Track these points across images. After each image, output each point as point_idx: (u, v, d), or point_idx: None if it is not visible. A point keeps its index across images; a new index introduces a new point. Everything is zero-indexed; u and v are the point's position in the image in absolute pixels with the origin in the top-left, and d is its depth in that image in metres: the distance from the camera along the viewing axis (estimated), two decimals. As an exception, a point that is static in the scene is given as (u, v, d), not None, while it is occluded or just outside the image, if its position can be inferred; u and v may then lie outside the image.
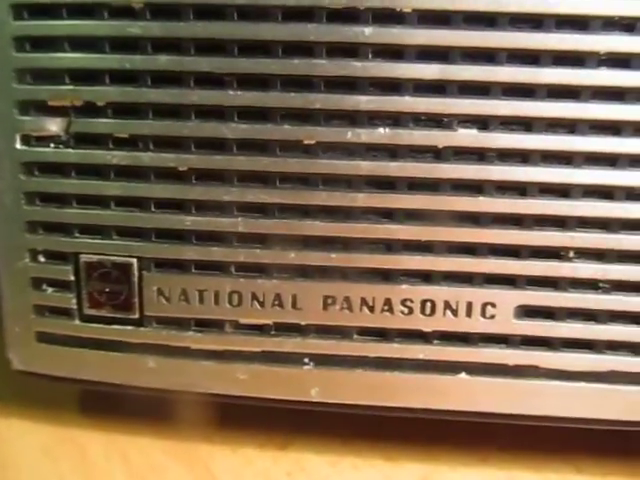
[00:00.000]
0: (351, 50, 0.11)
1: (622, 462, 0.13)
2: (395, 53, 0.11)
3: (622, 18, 0.10)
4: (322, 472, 0.13)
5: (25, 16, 0.11)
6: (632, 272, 0.11)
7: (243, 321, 0.12)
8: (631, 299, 0.11)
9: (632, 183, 0.11)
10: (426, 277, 0.11)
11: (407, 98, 0.11)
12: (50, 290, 0.12)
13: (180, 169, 0.11)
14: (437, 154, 0.11)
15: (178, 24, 0.11)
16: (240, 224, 0.11)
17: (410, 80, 0.11)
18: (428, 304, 0.12)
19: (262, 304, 0.12)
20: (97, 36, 0.11)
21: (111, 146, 0.11)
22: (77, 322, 0.12)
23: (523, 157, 0.11)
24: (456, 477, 0.13)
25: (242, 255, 0.11)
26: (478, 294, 0.11)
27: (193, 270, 0.12)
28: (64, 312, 0.12)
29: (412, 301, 0.12)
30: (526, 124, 0.11)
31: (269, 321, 0.12)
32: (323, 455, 0.13)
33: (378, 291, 0.11)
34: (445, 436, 0.13)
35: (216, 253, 0.11)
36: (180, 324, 0.12)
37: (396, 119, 0.11)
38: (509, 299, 0.12)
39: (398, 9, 0.10)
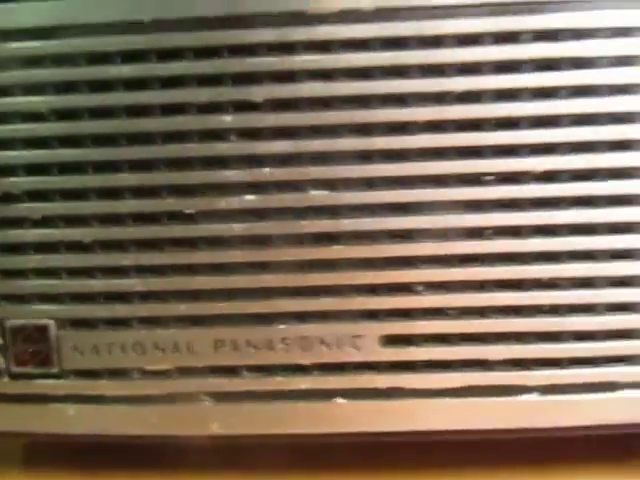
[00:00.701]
0: (217, 134, 0.13)
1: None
2: (253, 134, 0.13)
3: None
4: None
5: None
6: (473, 299, 0.13)
7: (148, 367, 0.14)
8: (474, 322, 0.13)
9: (467, 224, 0.13)
10: (301, 317, 0.13)
11: (267, 170, 0.13)
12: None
13: (85, 241, 0.13)
14: (297, 213, 0.13)
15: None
16: (138, 284, 0.13)
17: (268, 155, 0.13)
18: (305, 341, 0.13)
19: (163, 351, 0.14)
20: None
21: (28, 226, 0.13)
22: (6, 379, 0.14)
23: (371, 209, 0.13)
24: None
25: (142, 310, 0.13)
26: (347, 329, 0.13)
27: (102, 326, 0.14)
28: (-5, 372, 0.14)
29: (290, 339, 0.13)
30: (369, 183, 0.13)
31: (170, 366, 0.14)
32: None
33: (260, 332, 0.13)
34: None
35: (120, 310, 0.13)
36: (94, 374, 0.14)
37: (261, 187, 0.13)
38: (373, 331, 0.13)
39: (253, 99, 0.13)
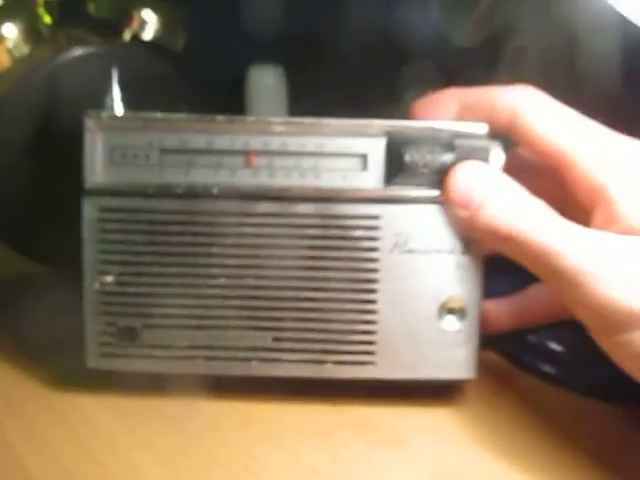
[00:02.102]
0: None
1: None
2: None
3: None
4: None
5: None
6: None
7: (183, 344, 0.33)
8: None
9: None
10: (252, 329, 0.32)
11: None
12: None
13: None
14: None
15: None
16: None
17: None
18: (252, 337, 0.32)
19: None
20: None
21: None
22: (118, 349, 0.33)
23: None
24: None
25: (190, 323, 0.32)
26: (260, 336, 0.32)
27: (160, 329, 0.32)
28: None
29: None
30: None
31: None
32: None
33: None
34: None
35: (171, 322, 0.32)
36: (155, 347, 0.33)
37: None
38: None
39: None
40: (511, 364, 0.38)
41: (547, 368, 0.37)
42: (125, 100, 0.32)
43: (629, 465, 0.30)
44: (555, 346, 0.38)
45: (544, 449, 0.31)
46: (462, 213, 0.30)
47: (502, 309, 0.36)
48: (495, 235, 0.29)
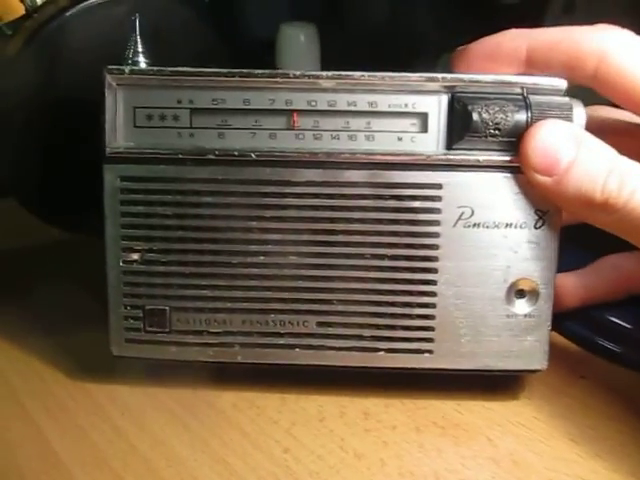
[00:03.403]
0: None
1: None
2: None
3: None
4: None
5: None
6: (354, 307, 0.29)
7: (210, 330, 0.29)
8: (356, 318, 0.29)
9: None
10: (284, 312, 0.29)
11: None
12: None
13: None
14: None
15: None
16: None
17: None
18: (284, 323, 0.29)
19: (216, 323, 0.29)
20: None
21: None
22: (143, 333, 0.29)
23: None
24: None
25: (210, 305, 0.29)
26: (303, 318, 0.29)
27: (190, 311, 0.29)
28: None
29: (277, 321, 0.29)
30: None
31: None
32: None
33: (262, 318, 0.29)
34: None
35: (197, 304, 0.29)
36: (185, 332, 0.29)
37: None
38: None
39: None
40: (574, 343, 0.34)
41: (615, 347, 0.33)
42: (149, 53, 0.29)
43: None
44: (622, 323, 0.34)
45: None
46: (545, 179, 0.25)
47: (570, 284, 0.33)
48: (588, 202, 0.25)
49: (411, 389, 0.30)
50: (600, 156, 0.25)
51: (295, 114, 0.27)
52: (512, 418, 0.29)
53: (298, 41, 0.45)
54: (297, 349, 0.29)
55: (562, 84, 0.27)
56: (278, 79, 0.27)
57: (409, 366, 0.29)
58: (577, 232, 0.34)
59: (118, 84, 0.27)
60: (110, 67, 0.27)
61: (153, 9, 0.34)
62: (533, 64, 0.27)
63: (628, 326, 0.33)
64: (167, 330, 0.29)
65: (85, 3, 0.34)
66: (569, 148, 0.25)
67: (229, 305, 0.28)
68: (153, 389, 0.30)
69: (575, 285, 0.33)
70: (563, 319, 0.34)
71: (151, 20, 0.29)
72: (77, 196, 0.33)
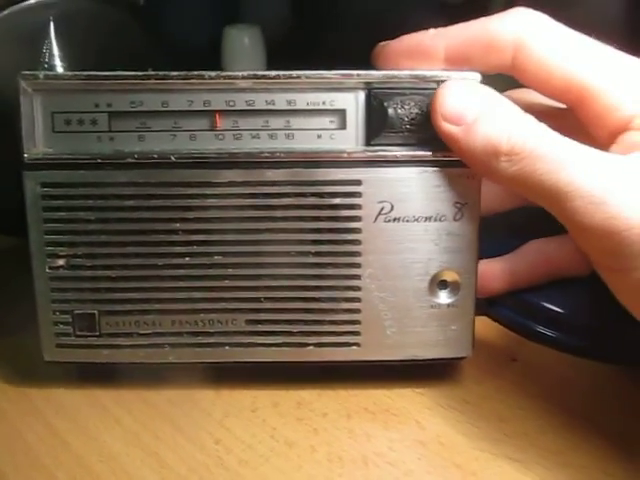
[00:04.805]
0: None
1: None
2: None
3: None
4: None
5: None
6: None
7: (140, 332, 0.29)
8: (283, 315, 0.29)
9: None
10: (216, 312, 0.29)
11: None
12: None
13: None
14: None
15: None
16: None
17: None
18: (216, 322, 0.29)
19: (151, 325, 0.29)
20: None
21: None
22: (73, 338, 0.29)
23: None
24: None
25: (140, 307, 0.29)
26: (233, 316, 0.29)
27: (120, 314, 0.29)
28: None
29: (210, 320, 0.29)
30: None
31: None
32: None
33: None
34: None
35: (128, 307, 0.29)
36: (115, 335, 0.29)
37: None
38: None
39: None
40: (506, 328, 0.35)
41: (548, 331, 0.34)
42: (69, 57, 0.28)
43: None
44: (553, 307, 0.35)
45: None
46: (453, 129, 0.26)
47: (497, 269, 0.33)
48: (494, 151, 0.25)
49: (344, 378, 0.31)
50: (509, 108, 0.26)
51: (217, 114, 0.27)
52: (442, 401, 0.30)
53: (242, 43, 0.45)
54: (227, 347, 0.29)
55: (476, 77, 0.27)
56: (194, 80, 0.27)
57: (338, 359, 0.29)
58: (504, 219, 0.34)
59: (34, 90, 0.27)
60: (24, 73, 0.27)
61: (83, 13, 0.34)
62: (452, 62, 0.27)
63: (561, 311, 0.34)
64: (97, 334, 0.29)
65: (14, 7, 0.33)
66: (480, 99, 0.26)
67: (157, 306, 0.29)
68: (90, 389, 0.31)
69: (502, 270, 0.33)
70: (496, 305, 0.35)
71: (82, 24, 0.29)
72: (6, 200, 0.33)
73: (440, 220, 0.28)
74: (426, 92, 0.27)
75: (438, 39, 0.27)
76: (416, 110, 0.27)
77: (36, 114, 0.27)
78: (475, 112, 0.26)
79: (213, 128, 0.27)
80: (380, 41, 0.29)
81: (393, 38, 0.29)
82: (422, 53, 0.28)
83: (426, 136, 0.27)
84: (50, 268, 0.28)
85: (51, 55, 0.28)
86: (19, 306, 0.35)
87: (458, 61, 0.27)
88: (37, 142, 0.27)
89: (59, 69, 0.28)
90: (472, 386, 0.31)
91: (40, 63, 0.28)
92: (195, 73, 0.27)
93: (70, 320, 0.29)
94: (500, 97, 0.26)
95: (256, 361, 0.29)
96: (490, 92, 0.26)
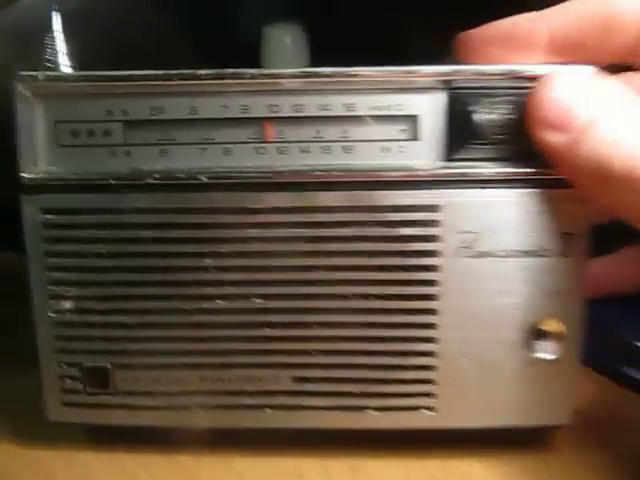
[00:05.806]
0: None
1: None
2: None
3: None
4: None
5: None
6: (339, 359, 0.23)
7: (161, 389, 0.24)
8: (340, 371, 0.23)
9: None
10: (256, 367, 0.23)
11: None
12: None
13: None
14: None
15: None
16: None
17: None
18: (254, 380, 0.24)
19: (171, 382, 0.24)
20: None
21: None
22: (84, 396, 0.24)
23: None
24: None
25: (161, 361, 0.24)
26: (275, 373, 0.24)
27: (137, 370, 0.24)
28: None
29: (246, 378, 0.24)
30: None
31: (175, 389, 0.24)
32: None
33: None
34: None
35: (145, 360, 0.24)
36: (132, 394, 0.24)
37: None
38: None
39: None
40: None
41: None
42: (78, 55, 0.23)
43: None
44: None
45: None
46: (556, 138, 0.20)
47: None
48: (605, 174, 0.19)
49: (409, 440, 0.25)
50: (632, 112, 0.20)
51: (263, 123, 0.22)
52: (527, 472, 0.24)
53: (284, 43, 0.40)
54: (268, 409, 0.23)
55: (588, 70, 0.21)
56: (229, 80, 0.22)
57: (406, 427, 0.23)
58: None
59: (34, 94, 0.22)
60: (22, 73, 0.22)
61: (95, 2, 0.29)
62: (559, 50, 0.22)
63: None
64: (110, 391, 0.24)
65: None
66: (594, 98, 0.20)
67: (183, 360, 0.23)
68: (106, 445, 0.25)
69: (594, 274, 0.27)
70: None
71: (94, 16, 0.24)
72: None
73: (541, 255, 0.22)
74: (523, 92, 0.21)
75: (540, 22, 0.21)
76: (510, 115, 0.21)
77: (36, 124, 0.22)
78: (586, 116, 0.20)
79: (254, 140, 0.22)
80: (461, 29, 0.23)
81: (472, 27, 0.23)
82: (519, 40, 0.22)
83: (522, 149, 0.21)
84: (54, 312, 0.23)
85: (54, 52, 0.22)
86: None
87: (567, 48, 0.21)
88: (38, 159, 0.22)
89: (64, 69, 0.23)
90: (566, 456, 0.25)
91: (42, 61, 0.22)
92: (230, 71, 0.22)
93: (79, 374, 0.24)
94: (627, 95, 0.20)
95: (304, 427, 0.24)
96: (610, 88, 0.20)
